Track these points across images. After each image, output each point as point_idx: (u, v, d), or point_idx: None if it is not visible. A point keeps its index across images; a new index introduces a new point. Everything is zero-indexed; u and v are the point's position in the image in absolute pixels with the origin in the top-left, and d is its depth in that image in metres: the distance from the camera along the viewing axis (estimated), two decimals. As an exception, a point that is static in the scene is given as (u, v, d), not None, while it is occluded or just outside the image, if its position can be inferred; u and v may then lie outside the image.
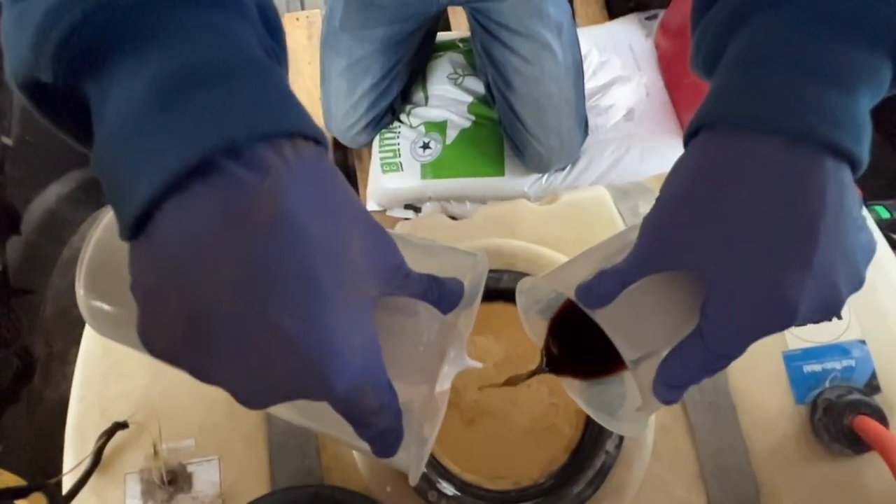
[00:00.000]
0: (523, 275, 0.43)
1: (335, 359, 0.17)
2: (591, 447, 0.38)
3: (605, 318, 0.23)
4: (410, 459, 0.22)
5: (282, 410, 0.23)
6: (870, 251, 0.21)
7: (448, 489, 0.38)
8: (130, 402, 0.43)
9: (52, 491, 0.41)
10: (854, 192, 0.20)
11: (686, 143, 0.22)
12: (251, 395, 0.17)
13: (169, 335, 0.16)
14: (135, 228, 0.16)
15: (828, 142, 0.19)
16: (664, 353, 0.22)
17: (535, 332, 0.29)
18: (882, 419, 0.37)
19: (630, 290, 0.22)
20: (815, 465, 0.39)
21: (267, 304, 0.16)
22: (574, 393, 0.28)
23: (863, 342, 0.41)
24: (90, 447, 0.41)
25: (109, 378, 0.44)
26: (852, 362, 0.41)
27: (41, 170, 0.82)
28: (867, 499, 0.39)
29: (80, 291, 0.24)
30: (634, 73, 0.92)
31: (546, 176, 0.86)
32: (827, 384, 0.40)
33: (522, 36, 0.73)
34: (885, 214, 0.54)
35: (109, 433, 0.42)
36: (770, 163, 0.20)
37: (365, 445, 0.21)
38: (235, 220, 0.15)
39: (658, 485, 0.39)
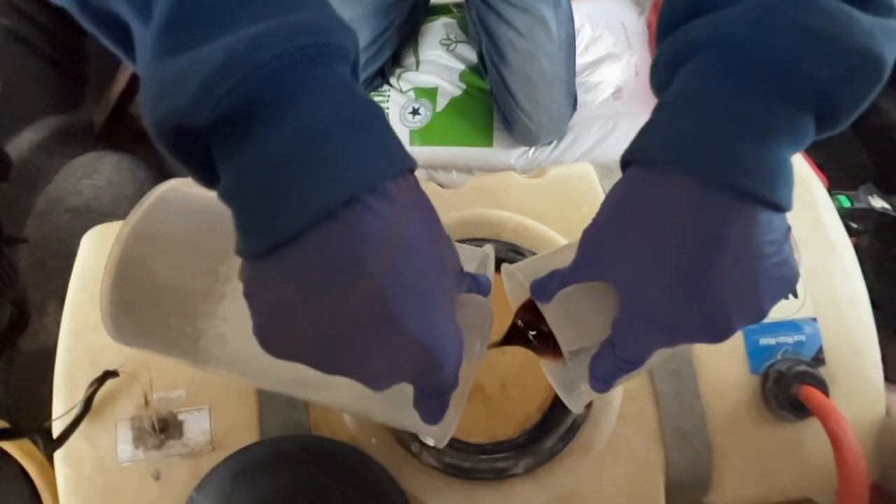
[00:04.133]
0: (509, 245, 0.45)
1: (447, 350, 0.21)
2: (563, 407, 0.41)
3: (550, 311, 0.26)
4: (445, 427, 0.26)
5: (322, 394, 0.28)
6: (784, 287, 0.23)
7: (429, 441, 0.41)
8: (120, 353, 0.43)
9: (45, 433, 0.42)
10: (775, 232, 0.22)
11: (623, 169, 0.25)
12: (378, 382, 0.21)
13: (298, 339, 0.19)
14: (271, 249, 0.19)
15: (736, 187, 0.21)
16: (596, 350, 0.26)
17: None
18: (824, 389, 0.41)
19: (574, 290, 0.26)
20: (762, 428, 0.43)
21: (398, 310, 0.19)
22: (549, 371, 0.32)
23: (814, 320, 0.45)
24: (80, 396, 0.42)
25: (99, 329, 0.44)
26: (803, 337, 0.44)
27: (10, 115, 0.78)
28: (805, 459, 0.43)
29: (105, 307, 0.27)
30: (625, 51, 0.93)
31: (533, 149, 0.87)
32: (779, 356, 0.44)
33: (519, 9, 0.72)
34: (847, 203, 0.58)
35: (100, 380, 0.42)
36: (678, 202, 0.22)
37: (406, 415, 0.24)
38: (375, 243, 0.19)
39: (622, 443, 0.43)
